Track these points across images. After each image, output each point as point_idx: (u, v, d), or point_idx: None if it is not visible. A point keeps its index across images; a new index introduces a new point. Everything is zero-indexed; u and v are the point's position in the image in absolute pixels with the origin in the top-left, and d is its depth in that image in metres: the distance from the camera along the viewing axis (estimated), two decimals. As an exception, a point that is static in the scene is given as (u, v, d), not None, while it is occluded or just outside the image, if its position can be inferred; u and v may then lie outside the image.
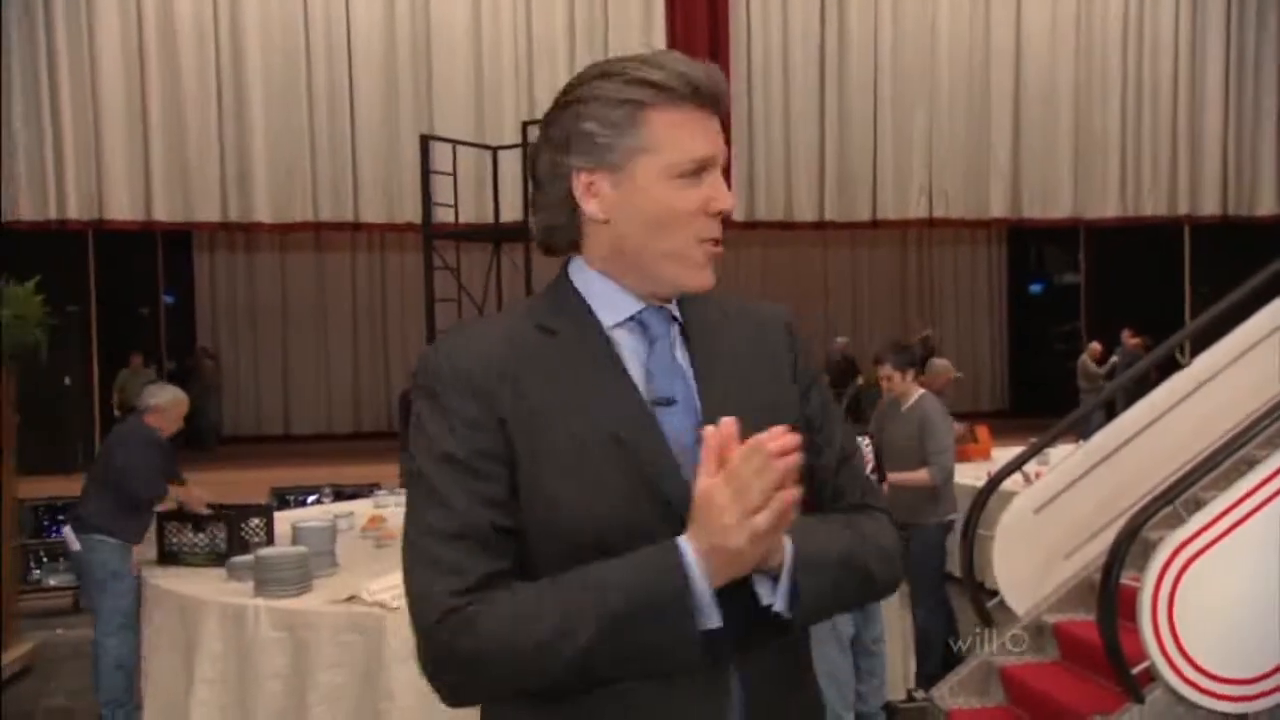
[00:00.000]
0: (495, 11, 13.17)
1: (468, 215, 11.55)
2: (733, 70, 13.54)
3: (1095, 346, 12.96)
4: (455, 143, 10.77)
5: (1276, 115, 13.92)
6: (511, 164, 10.54)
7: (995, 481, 5.20)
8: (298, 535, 4.86)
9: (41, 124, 12.32)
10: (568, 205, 1.37)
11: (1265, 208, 13.80)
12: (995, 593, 5.11)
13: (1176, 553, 3.99)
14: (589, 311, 1.38)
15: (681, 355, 1.41)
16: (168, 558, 5.07)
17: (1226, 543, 3.99)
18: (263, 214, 12.73)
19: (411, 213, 11.87)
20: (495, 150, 10.64)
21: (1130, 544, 4.08)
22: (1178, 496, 4.11)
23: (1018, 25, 13.96)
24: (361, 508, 6.29)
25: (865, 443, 4.92)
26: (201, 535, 5.02)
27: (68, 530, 5.43)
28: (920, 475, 5.11)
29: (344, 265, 16.80)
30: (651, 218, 1.34)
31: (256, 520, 5.13)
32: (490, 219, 11.06)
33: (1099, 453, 5.15)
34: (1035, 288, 18.00)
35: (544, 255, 1.47)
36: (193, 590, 4.66)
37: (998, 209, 14.08)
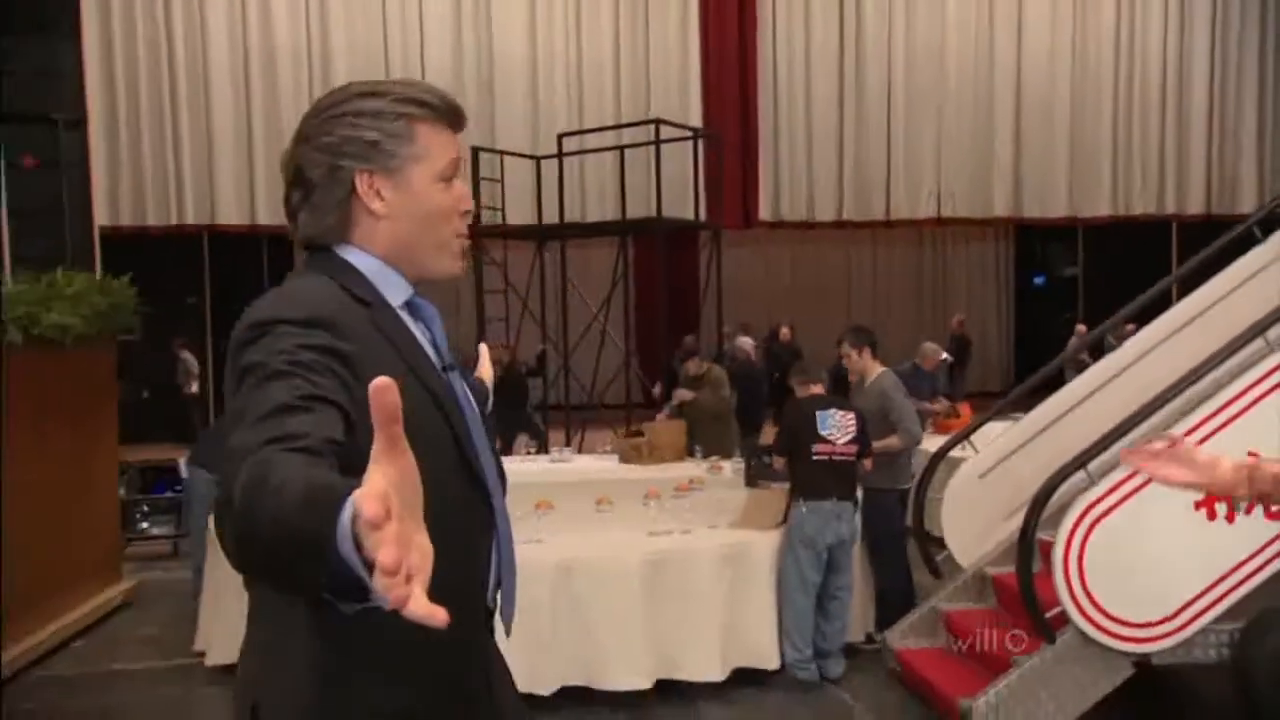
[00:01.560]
0: (550, 38, 13.33)
1: (514, 218, 11.72)
2: (760, 85, 13.56)
3: (1081, 328, 12.79)
4: (502, 153, 10.94)
5: (1256, 122, 13.65)
6: (550, 172, 10.71)
7: (944, 450, 5.24)
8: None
9: (164, 145, 12.77)
10: (344, 204, 1.38)
11: (1246, 206, 13.43)
12: (945, 548, 5.16)
13: (1086, 511, 4.02)
14: (377, 291, 1.39)
15: None
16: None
17: (1132, 504, 4.01)
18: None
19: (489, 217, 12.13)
20: (539, 160, 10.80)
21: (1045, 502, 4.11)
22: (1088, 461, 4.13)
23: (1019, 43, 13.79)
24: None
25: (849, 416, 4.93)
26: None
27: (182, 461, 6.58)
28: (891, 441, 5.13)
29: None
30: (424, 214, 1.40)
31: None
32: (534, 220, 11.24)
33: (1038, 424, 5.16)
34: (1038, 280, 17.72)
35: (303, 249, 1.44)
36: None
37: (1001, 209, 13.95)
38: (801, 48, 13.66)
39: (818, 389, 5.06)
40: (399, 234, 1.41)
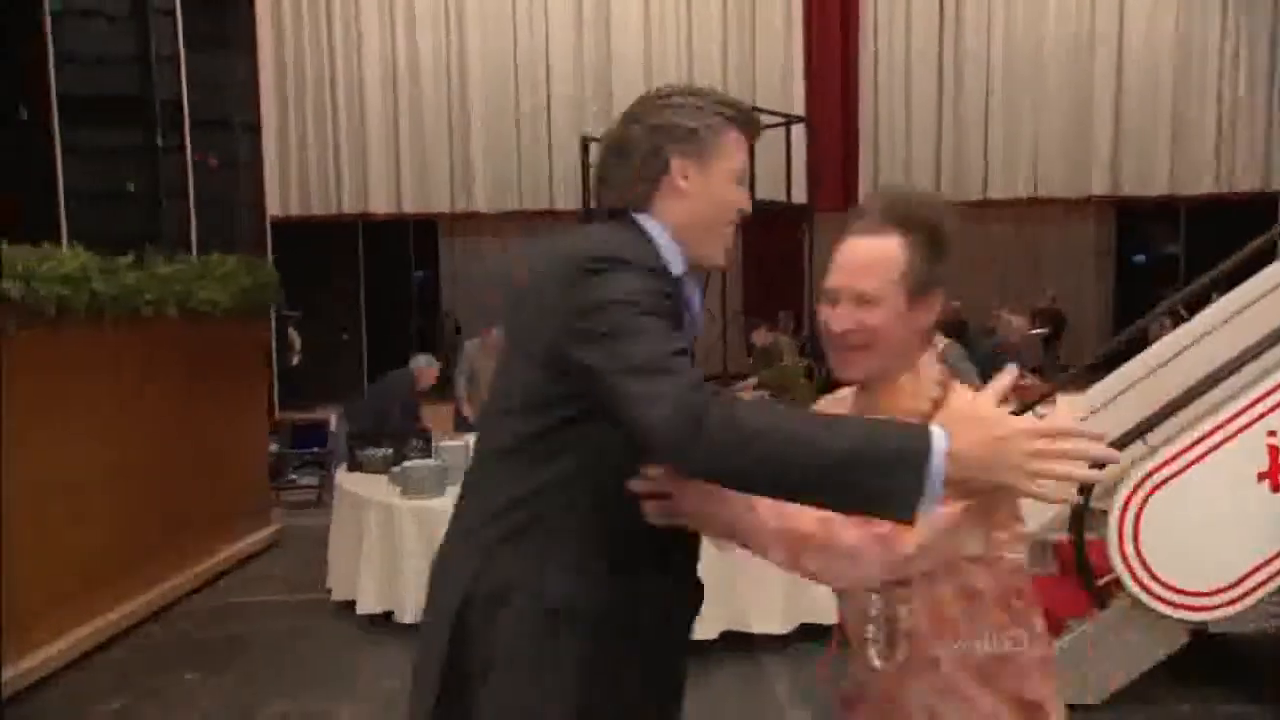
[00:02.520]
0: (662, 37, 13.20)
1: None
2: (861, 73, 13.10)
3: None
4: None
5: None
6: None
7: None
8: (438, 453, 5.14)
9: (326, 144, 13.28)
10: (655, 178, 1.45)
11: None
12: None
13: (1144, 480, 3.71)
14: (661, 258, 1.43)
15: None
16: (354, 466, 5.48)
17: (1191, 473, 3.69)
18: (481, 204, 13.32)
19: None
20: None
21: (1101, 468, 3.81)
22: (1147, 431, 3.80)
23: (1120, 23, 12.90)
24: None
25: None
26: (378, 451, 5.38)
27: (334, 417, 7.10)
28: None
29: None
30: (715, 202, 1.47)
31: (417, 441, 5.44)
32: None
33: (1108, 393, 4.79)
34: (1138, 259, 16.57)
35: (604, 211, 1.50)
36: (364, 491, 5.04)
37: (1098, 188, 13.13)
38: (902, 34, 13.14)
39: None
40: (692, 213, 1.46)
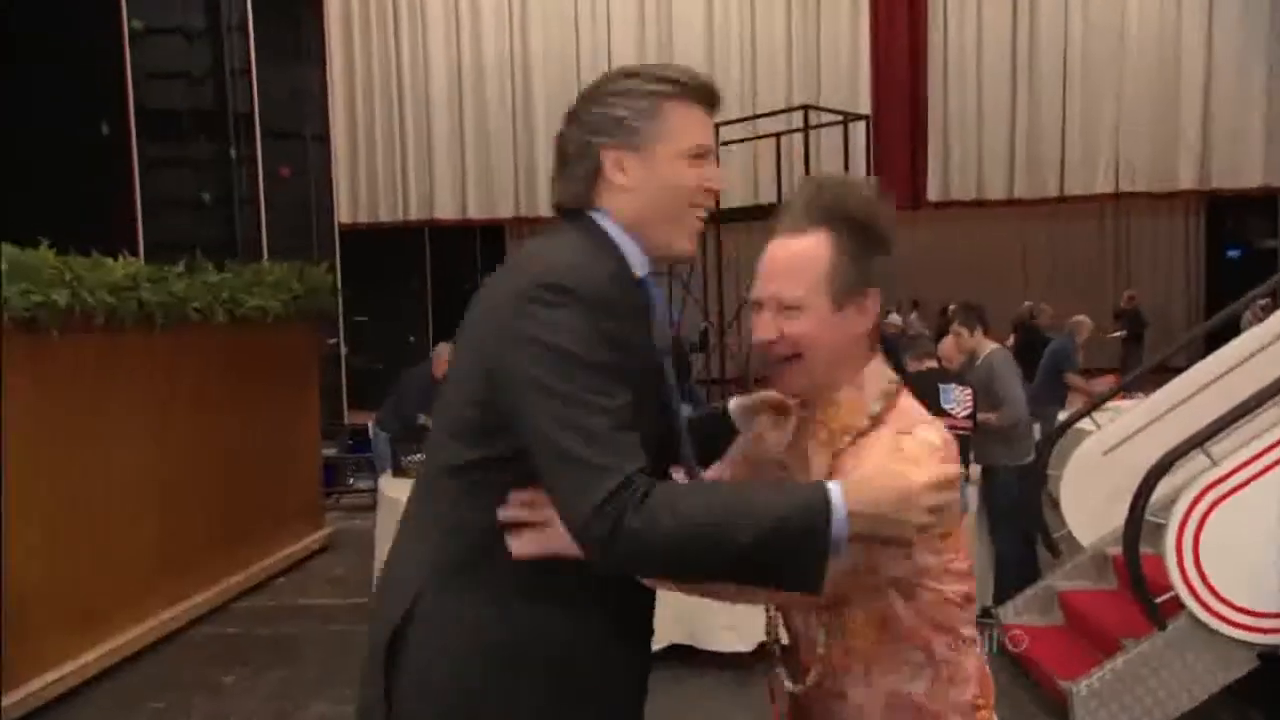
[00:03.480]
0: (726, 31, 13.07)
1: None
2: (930, 66, 12.75)
3: (1263, 302, 11.25)
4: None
5: None
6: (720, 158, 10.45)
7: (1066, 425, 4.69)
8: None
9: (393, 153, 13.53)
10: (591, 176, 1.35)
11: None
12: (1064, 525, 4.63)
13: (1204, 493, 3.48)
14: (626, 262, 1.35)
15: None
16: (398, 472, 5.52)
17: (1256, 486, 3.44)
18: (545, 209, 13.33)
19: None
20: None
21: (1157, 480, 3.59)
22: (1205, 440, 3.56)
23: (1210, 9, 12.25)
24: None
25: (967, 392, 4.56)
26: (419, 455, 5.38)
27: (371, 424, 7.08)
28: (989, 416, 4.69)
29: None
30: (663, 189, 1.34)
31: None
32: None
33: (1168, 402, 4.52)
34: (1233, 253, 15.72)
35: (557, 212, 1.43)
36: (402, 495, 5.04)
37: (1186, 181, 12.51)
38: (973, 25, 12.74)
39: (930, 363, 4.68)
40: (639, 207, 1.35)
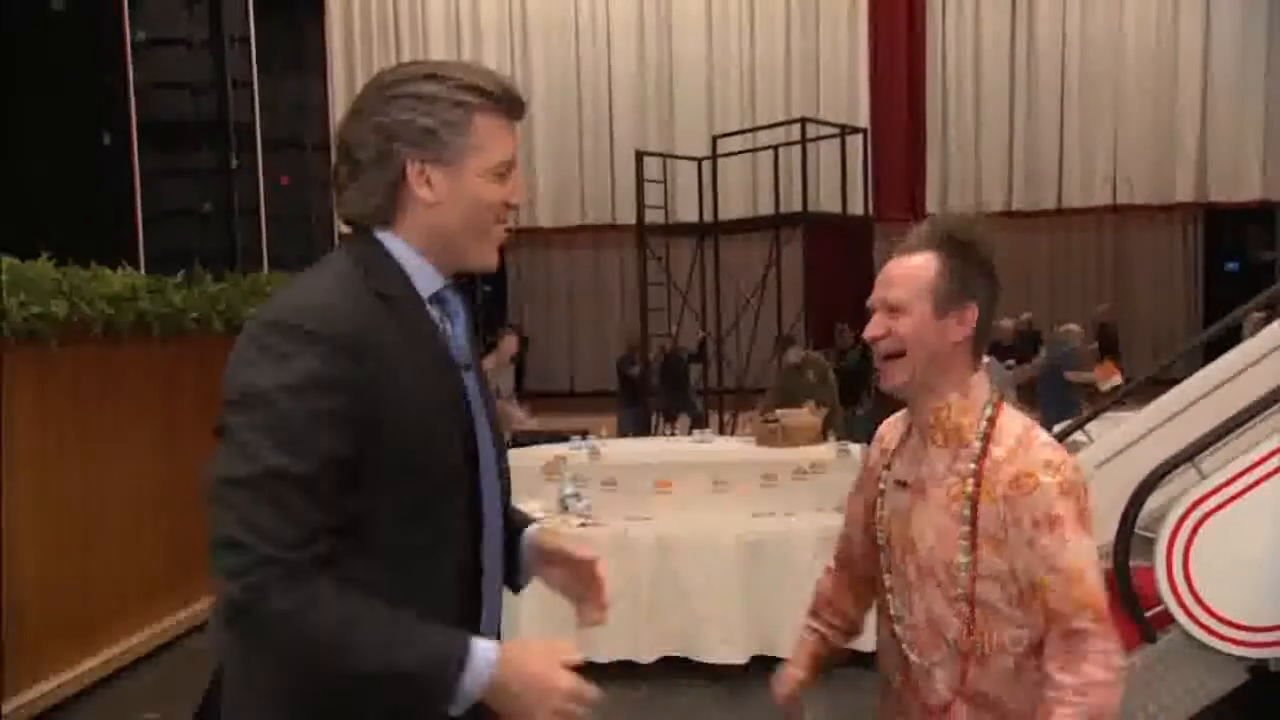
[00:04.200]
0: (725, 43, 13.15)
1: (687, 215, 11.50)
2: (929, 79, 12.82)
3: (1258, 316, 11.22)
4: (664, 156, 10.84)
5: None
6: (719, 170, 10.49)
7: (1060, 438, 4.69)
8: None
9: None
10: (392, 188, 1.26)
11: None
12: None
13: (1194, 507, 3.50)
14: (409, 283, 1.28)
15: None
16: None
17: (1247, 499, 3.46)
18: (544, 220, 13.44)
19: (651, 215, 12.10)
20: (700, 161, 10.61)
21: (1147, 493, 3.61)
22: (1196, 454, 3.58)
23: (1206, 24, 12.34)
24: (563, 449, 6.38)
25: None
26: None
27: None
28: None
29: (613, 259, 17.25)
30: (472, 206, 1.28)
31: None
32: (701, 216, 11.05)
33: (1160, 415, 4.54)
34: (1231, 266, 15.77)
35: (345, 225, 1.35)
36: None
37: (1183, 193, 12.56)
38: (971, 39, 12.82)
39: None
40: (444, 222, 1.29)
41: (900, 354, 1.49)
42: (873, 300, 1.54)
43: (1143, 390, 5.28)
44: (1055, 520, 1.39)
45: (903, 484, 1.56)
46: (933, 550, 1.48)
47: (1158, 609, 3.55)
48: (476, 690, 1.17)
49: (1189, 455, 3.59)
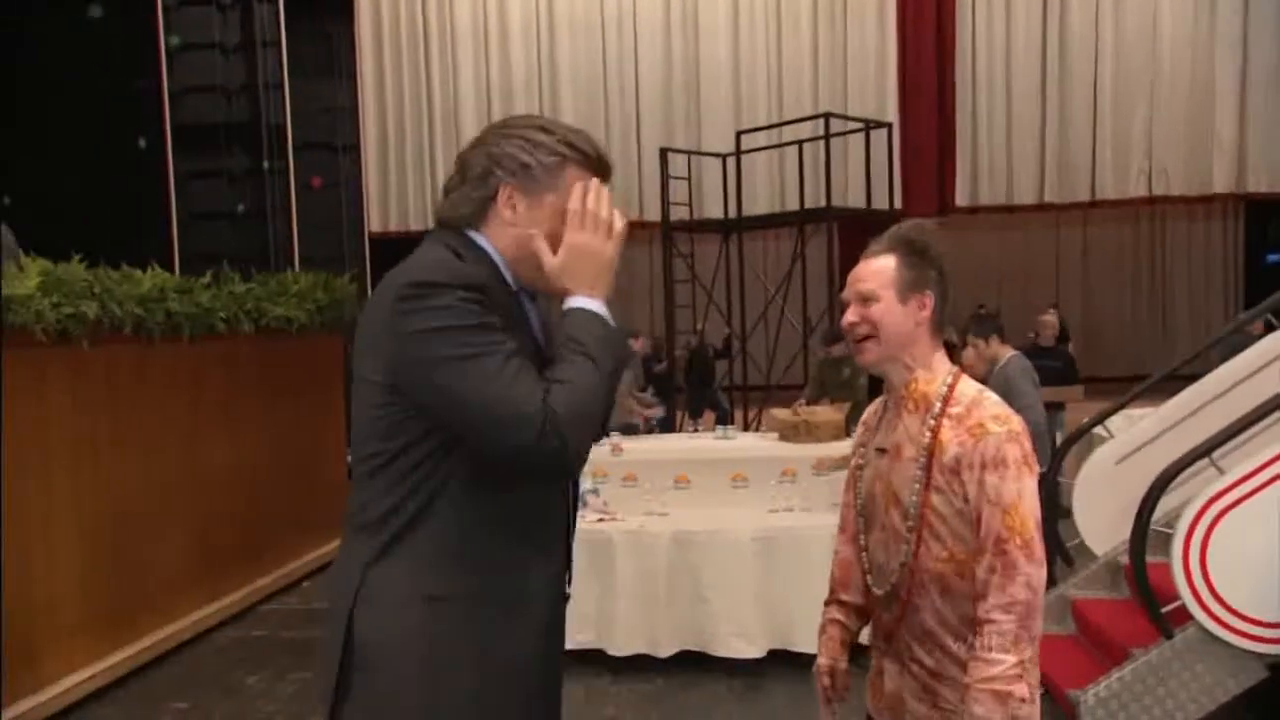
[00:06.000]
0: (751, 40, 13.11)
1: (713, 212, 11.49)
2: (958, 71, 12.66)
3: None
4: (688, 153, 10.85)
5: None
6: (745, 166, 10.48)
7: (1079, 433, 4.68)
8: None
9: (423, 163, 13.72)
10: (485, 202, 1.51)
11: None
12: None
13: (1211, 502, 3.47)
14: (498, 271, 1.51)
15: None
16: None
17: (1265, 494, 3.43)
18: (569, 219, 13.47)
19: (677, 212, 12.15)
20: (724, 158, 10.60)
21: (1163, 488, 3.59)
22: (1212, 450, 3.56)
23: (1245, 12, 12.06)
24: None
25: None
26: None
27: None
28: None
29: (639, 256, 17.26)
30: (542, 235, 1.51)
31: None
32: (727, 213, 11.05)
33: (1180, 411, 4.50)
34: (1273, 258, 15.45)
35: (439, 224, 1.59)
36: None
37: (1221, 184, 12.30)
38: (1002, 28, 12.62)
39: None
40: (519, 242, 1.52)
41: (873, 335, 1.79)
42: (847, 294, 1.85)
43: (1168, 386, 5.23)
44: (1001, 461, 1.66)
45: (882, 450, 1.83)
46: (913, 499, 1.75)
47: (1175, 604, 3.54)
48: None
49: (1204, 452, 3.57)
